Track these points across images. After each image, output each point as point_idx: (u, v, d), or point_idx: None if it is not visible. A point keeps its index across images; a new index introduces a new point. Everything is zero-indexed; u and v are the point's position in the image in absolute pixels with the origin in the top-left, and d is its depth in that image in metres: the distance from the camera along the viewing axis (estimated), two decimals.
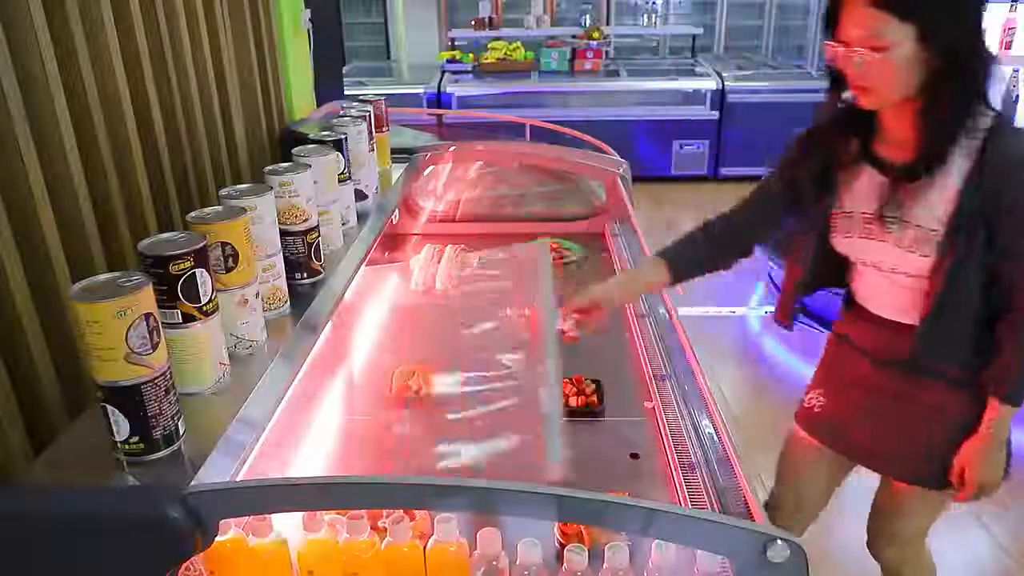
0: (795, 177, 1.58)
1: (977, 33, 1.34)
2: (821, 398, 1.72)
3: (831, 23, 1.37)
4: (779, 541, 0.76)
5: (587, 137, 3.90)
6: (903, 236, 1.40)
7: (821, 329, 3.97)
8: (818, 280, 1.67)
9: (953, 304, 1.39)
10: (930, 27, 1.27)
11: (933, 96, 1.32)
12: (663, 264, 1.60)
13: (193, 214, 1.09)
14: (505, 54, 6.95)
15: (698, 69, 6.82)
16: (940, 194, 1.36)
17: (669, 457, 1.39)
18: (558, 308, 1.60)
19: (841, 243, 1.53)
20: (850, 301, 1.65)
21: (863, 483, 2.82)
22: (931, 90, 1.32)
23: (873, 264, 1.50)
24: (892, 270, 1.46)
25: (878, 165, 1.46)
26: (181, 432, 0.94)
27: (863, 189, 1.47)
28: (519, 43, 7.05)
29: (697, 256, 1.65)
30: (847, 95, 1.44)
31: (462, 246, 2.27)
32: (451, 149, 2.43)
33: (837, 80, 1.45)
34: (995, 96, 1.41)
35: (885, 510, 1.79)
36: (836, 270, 1.62)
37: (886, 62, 1.29)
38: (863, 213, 1.47)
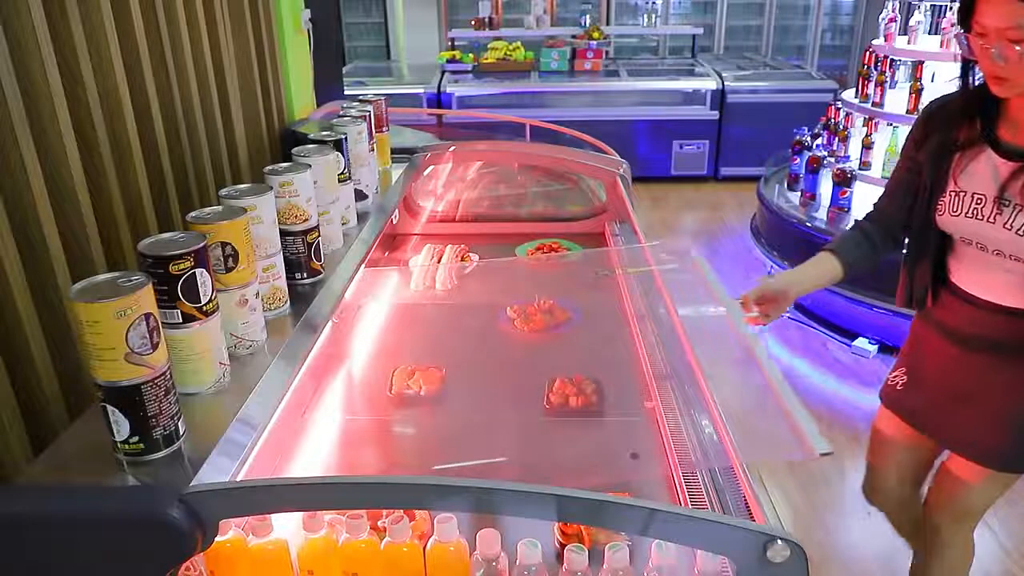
0: (916, 157, 1.64)
1: None
2: (904, 376, 1.78)
3: (966, 14, 1.41)
4: (779, 541, 0.76)
5: (587, 137, 3.90)
6: (1017, 219, 1.45)
7: (821, 329, 3.98)
8: (921, 257, 1.70)
9: None
10: None
11: None
12: (835, 258, 1.69)
13: (193, 214, 1.09)
14: (505, 54, 6.95)
15: (698, 69, 6.82)
16: None
17: (669, 457, 1.39)
18: (737, 299, 1.71)
19: (948, 221, 1.57)
20: (942, 282, 1.68)
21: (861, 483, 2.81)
22: None
23: (978, 244, 1.54)
24: (997, 252, 1.51)
25: (999, 149, 1.49)
26: (181, 432, 0.94)
27: (980, 170, 1.51)
28: (519, 43, 7.05)
29: (861, 249, 1.72)
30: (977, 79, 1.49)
31: (462, 246, 2.27)
32: (451, 149, 2.43)
33: (966, 68, 1.51)
34: None
35: (958, 486, 1.78)
36: (938, 250, 1.66)
37: None
38: (975, 193, 1.51)
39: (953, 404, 1.66)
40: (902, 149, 1.72)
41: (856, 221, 1.79)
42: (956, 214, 1.54)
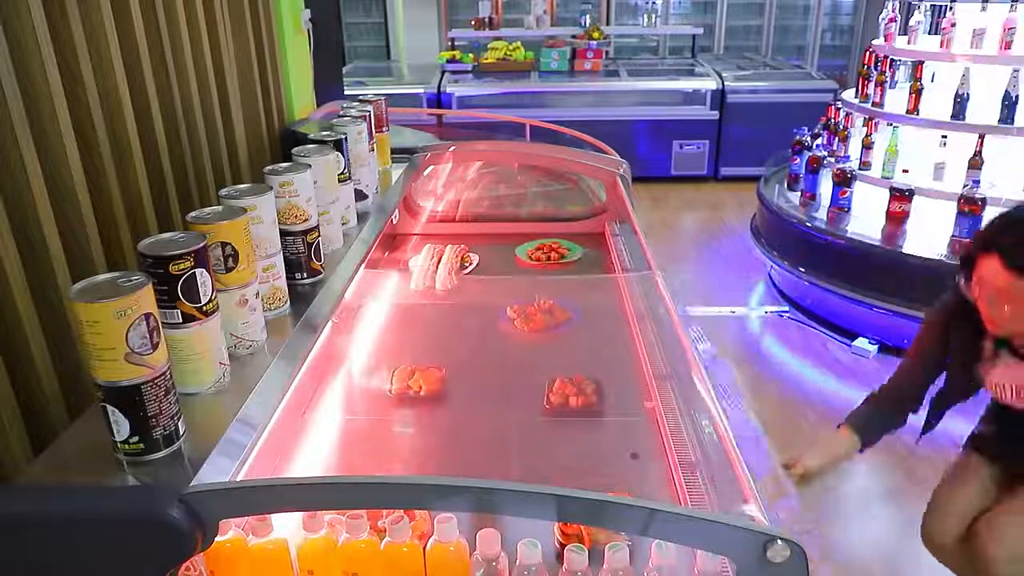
0: (936, 354, 1.87)
1: None
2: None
3: (968, 263, 1.64)
4: (779, 541, 0.76)
5: (587, 137, 3.90)
6: None
7: (821, 329, 3.98)
8: (954, 399, 1.92)
9: None
10: None
11: None
12: (852, 432, 1.87)
13: (193, 214, 1.09)
14: (505, 54, 6.95)
15: (698, 69, 6.82)
16: None
17: (669, 457, 1.39)
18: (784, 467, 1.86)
19: (1004, 401, 1.79)
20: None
21: (863, 484, 2.82)
22: None
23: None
24: None
25: (1015, 353, 1.72)
26: (181, 432, 0.94)
27: (1009, 373, 1.74)
28: (519, 43, 7.05)
29: (877, 422, 1.90)
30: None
31: (462, 246, 2.27)
32: (451, 149, 2.43)
33: (966, 300, 1.69)
34: None
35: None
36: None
37: (1017, 312, 1.57)
38: (1010, 385, 1.74)
39: None
40: (919, 342, 1.90)
41: (870, 397, 1.94)
42: (998, 393, 1.78)
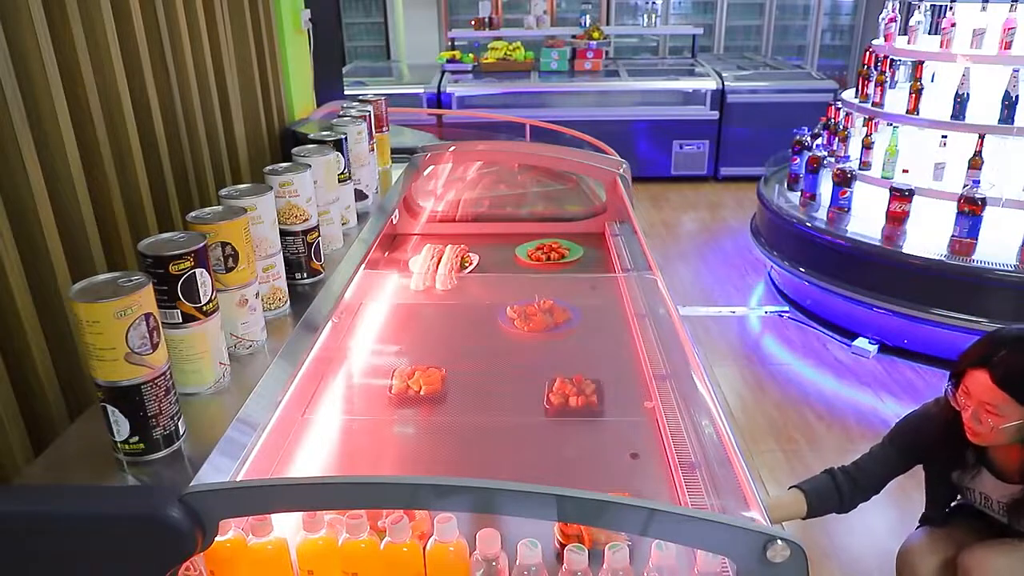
0: (916, 460, 1.93)
1: None
2: None
3: (959, 376, 1.71)
4: (779, 541, 0.76)
5: (587, 137, 3.91)
6: None
7: (821, 329, 3.98)
8: (946, 501, 1.98)
9: None
10: None
11: None
12: (801, 496, 1.88)
13: (193, 214, 1.09)
14: (505, 54, 6.95)
15: (698, 69, 6.82)
16: None
17: (669, 457, 1.39)
18: None
19: (977, 506, 1.87)
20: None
21: None
22: None
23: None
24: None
25: (995, 473, 1.79)
26: (181, 432, 0.94)
27: (986, 485, 1.82)
28: (519, 43, 7.06)
29: (830, 502, 1.91)
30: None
31: (462, 246, 2.27)
32: (451, 149, 2.43)
33: (953, 410, 1.75)
34: None
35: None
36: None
37: (997, 427, 1.63)
38: (986, 497, 1.82)
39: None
40: (891, 441, 1.94)
41: (832, 471, 1.95)
42: (973, 503, 1.87)
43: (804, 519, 1.90)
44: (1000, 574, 1.76)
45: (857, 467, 1.94)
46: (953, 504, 1.99)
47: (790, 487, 1.93)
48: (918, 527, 2.03)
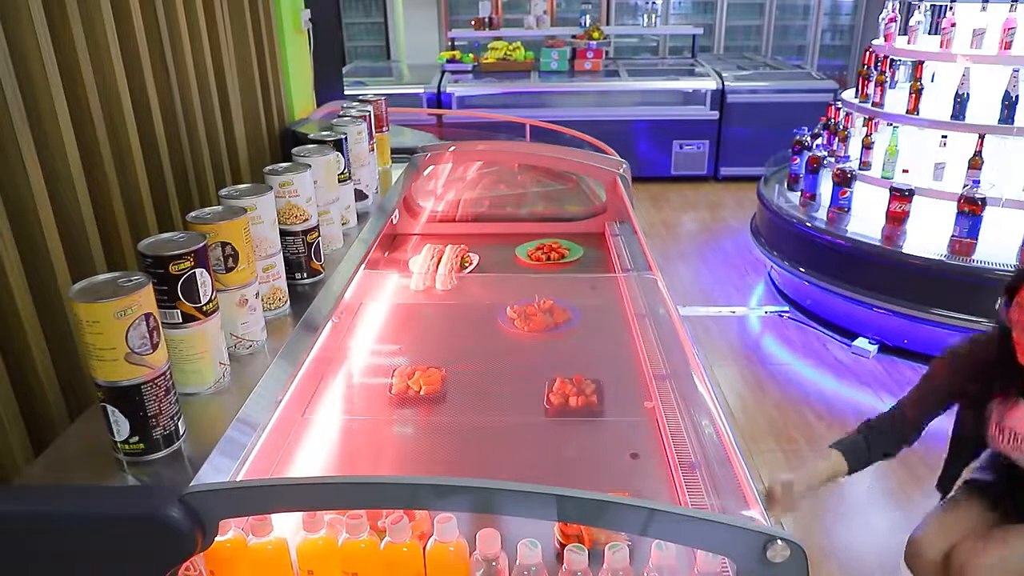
0: (957, 392, 1.88)
1: None
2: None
3: (1013, 291, 1.66)
4: (779, 541, 0.76)
5: (587, 137, 3.91)
6: None
7: (821, 329, 3.98)
8: (967, 458, 1.98)
9: None
10: None
11: None
12: (840, 456, 1.83)
13: (193, 214, 1.09)
14: (505, 54, 6.95)
15: (698, 69, 6.82)
16: None
17: (669, 457, 1.39)
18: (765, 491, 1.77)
19: (1001, 448, 1.83)
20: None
21: (863, 484, 2.82)
22: None
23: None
24: None
25: None
26: (181, 432, 0.94)
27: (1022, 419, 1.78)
28: (519, 43, 7.06)
29: (868, 450, 1.87)
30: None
31: (462, 246, 2.27)
32: (451, 149, 2.43)
33: (1007, 332, 1.71)
34: None
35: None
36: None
37: None
38: (1016, 437, 1.78)
39: None
40: (938, 370, 1.89)
41: (868, 424, 1.92)
42: (1007, 447, 1.81)
43: (848, 474, 1.84)
44: (993, 569, 1.76)
45: (898, 411, 1.91)
46: (972, 472, 1.97)
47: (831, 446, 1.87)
48: (929, 513, 2.01)
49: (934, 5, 4.20)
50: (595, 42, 6.92)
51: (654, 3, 8.06)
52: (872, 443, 1.86)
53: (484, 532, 1.04)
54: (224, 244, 1.08)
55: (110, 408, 0.88)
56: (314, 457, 1.46)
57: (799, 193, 4.33)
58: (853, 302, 3.76)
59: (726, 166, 6.55)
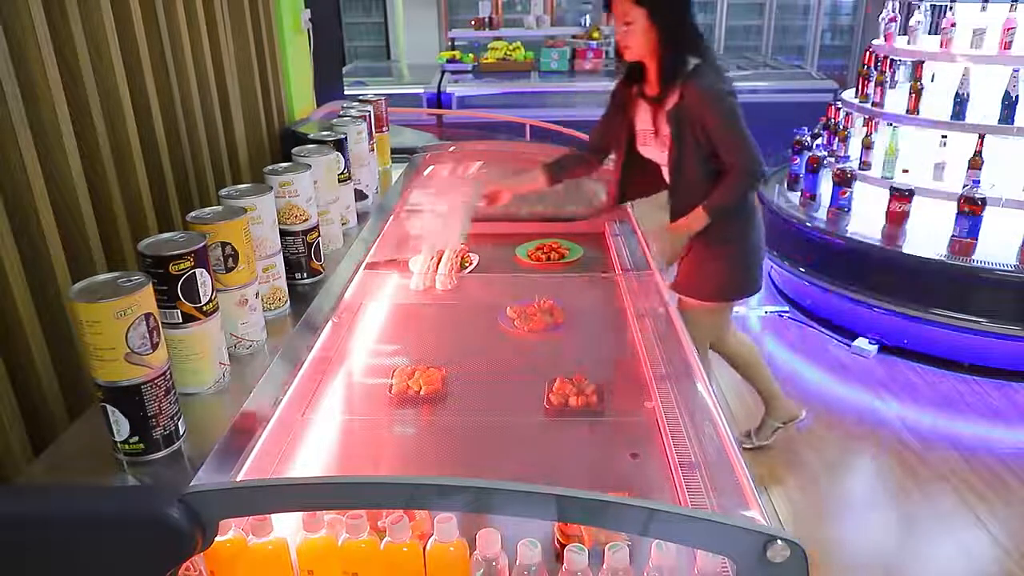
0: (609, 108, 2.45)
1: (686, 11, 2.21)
2: None
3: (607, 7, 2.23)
4: (779, 541, 0.76)
5: (587, 137, 3.89)
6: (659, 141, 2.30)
7: (821, 329, 3.98)
8: (629, 176, 2.47)
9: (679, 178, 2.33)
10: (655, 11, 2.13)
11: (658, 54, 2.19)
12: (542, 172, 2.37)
13: (193, 214, 1.09)
14: (505, 54, 6.95)
15: None
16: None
17: (669, 457, 1.39)
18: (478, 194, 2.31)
19: (642, 150, 2.41)
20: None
21: (863, 484, 2.83)
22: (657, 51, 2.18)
23: (658, 162, 2.37)
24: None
25: (645, 99, 2.30)
26: (181, 432, 0.94)
27: (642, 114, 2.34)
28: (519, 43, 7.05)
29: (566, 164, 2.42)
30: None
31: (462, 246, 2.27)
32: (451, 149, 2.43)
33: (619, 52, 2.26)
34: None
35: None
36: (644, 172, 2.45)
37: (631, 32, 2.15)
38: (643, 128, 2.35)
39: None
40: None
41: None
42: (643, 144, 2.40)
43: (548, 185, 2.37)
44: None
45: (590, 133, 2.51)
46: None
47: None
48: None
49: (934, 5, 4.20)
50: (595, 42, 6.92)
51: None
52: (563, 163, 2.40)
53: (484, 532, 1.04)
54: (224, 244, 1.08)
55: (110, 408, 0.88)
56: (314, 457, 1.46)
57: (799, 193, 4.32)
58: (853, 302, 3.76)
59: None
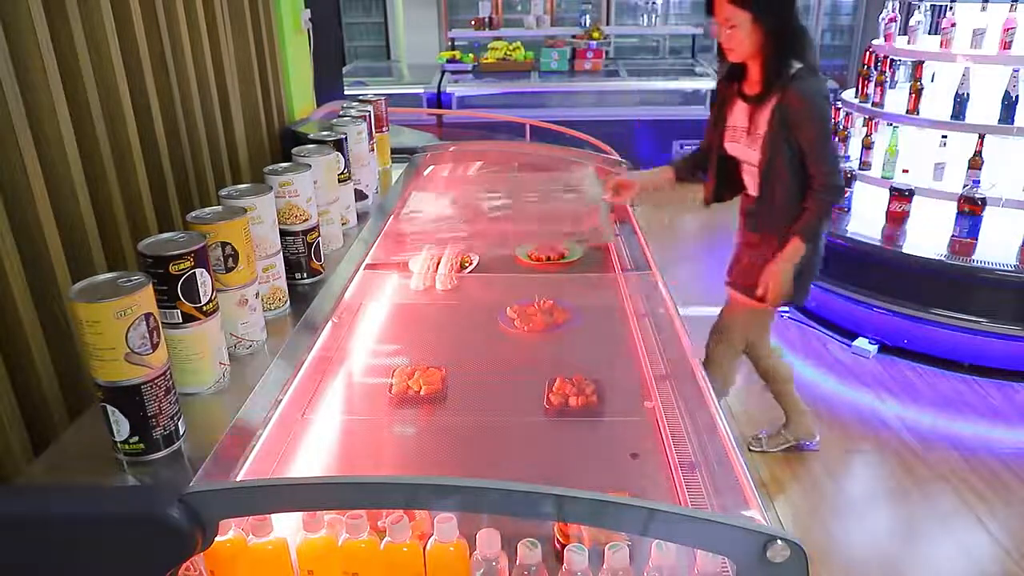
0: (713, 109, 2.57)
1: (791, 14, 2.31)
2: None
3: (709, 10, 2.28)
4: (779, 541, 0.76)
5: (587, 137, 3.91)
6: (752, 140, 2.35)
7: (821, 329, 3.97)
8: (723, 176, 2.55)
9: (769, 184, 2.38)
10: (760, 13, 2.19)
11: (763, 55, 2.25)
12: (670, 168, 2.58)
13: (193, 214, 1.09)
14: (505, 54, 6.95)
15: (698, 69, 6.82)
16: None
17: (669, 457, 1.39)
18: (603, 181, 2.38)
19: (728, 147, 2.47)
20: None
21: (863, 484, 2.83)
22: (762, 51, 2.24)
23: (743, 160, 2.45)
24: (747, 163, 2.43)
25: (743, 98, 2.38)
26: (181, 432, 0.94)
27: (738, 112, 2.42)
28: (519, 43, 7.05)
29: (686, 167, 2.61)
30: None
31: (463, 246, 2.27)
32: (451, 149, 2.43)
33: (722, 54, 2.33)
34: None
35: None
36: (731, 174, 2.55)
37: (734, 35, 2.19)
38: (735, 125, 2.43)
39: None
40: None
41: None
42: (733, 141, 2.48)
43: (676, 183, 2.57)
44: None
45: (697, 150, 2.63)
46: None
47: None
48: None
49: (934, 5, 4.20)
50: (595, 42, 6.92)
51: (654, 3, 8.06)
52: (689, 162, 2.59)
53: (484, 532, 1.04)
54: (224, 244, 1.08)
55: (110, 408, 0.88)
56: (314, 457, 1.46)
57: None
58: (853, 302, 3.76)
59: None
